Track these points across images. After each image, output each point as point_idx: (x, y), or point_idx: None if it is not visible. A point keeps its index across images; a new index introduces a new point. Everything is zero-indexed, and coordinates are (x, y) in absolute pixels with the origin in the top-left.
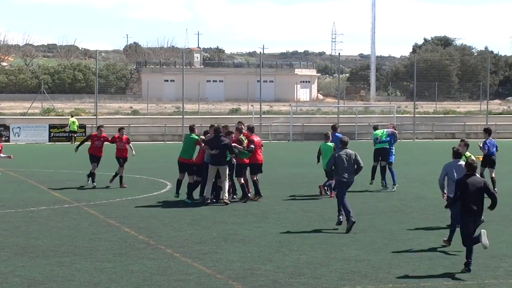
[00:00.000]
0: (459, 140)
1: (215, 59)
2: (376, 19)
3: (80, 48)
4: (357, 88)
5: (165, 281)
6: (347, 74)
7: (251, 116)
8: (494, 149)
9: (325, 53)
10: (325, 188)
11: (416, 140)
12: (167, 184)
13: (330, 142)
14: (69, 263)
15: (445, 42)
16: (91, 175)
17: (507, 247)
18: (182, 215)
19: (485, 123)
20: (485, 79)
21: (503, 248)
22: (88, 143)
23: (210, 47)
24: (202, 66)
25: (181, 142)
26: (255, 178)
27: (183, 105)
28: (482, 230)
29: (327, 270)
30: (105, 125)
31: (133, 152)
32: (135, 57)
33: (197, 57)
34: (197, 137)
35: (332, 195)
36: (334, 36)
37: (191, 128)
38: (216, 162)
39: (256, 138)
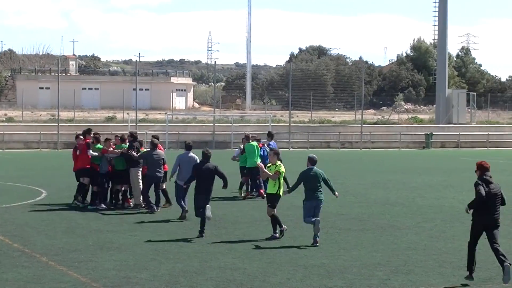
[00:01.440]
0: (334, 148)
1: (90, 66)
2: (252, 28)
3: None
4: (233, 97)
5: None
6: (223, 83)
7: (127, 124)
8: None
9: (201, 61)
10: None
11: (291, 149)
12: (42, 192)
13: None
14: None
15: (320, 51)
16: None
17: (381, 256)
18: (57, 223)
19: (359, 133)
20: (360, 89)
21: (377, 257)
22: None
23: (86, 55)
24: (77, 74)
25: (56, 149)
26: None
27: (58, 113)
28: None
29: (203, 279)
30: None
31: None
32: (9, 64)
33: (73, 65)
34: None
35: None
36: (210, 44)
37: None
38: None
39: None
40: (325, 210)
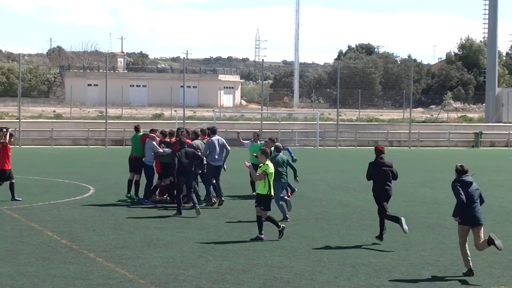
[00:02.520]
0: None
1: (138, 64)
2: (300, 26)
3: (3, 51)
4: (281, 95)
5: (87, 285)
6: (271, 81)
7: (174, 121)
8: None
9: (248, 59)
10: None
11: (339, 147)
12: (90, 188)
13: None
14: None
15: (368, 49)
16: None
17: (429, 255)
18: (105, 219)
19: (407, 131)
20: (408, 87)
21: (425, 256)
22: None
23: (134, 52)
24: (125, 71)
25: (104, 146)
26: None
27: (106, 110)
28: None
29: (250, 277)
30: (28, 129)
31: None
32: (58, 61)
33: (121, 62)
34: (141, 134)
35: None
36: (258, 42)
37: (136, 128)
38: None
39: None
40: (372, 209)
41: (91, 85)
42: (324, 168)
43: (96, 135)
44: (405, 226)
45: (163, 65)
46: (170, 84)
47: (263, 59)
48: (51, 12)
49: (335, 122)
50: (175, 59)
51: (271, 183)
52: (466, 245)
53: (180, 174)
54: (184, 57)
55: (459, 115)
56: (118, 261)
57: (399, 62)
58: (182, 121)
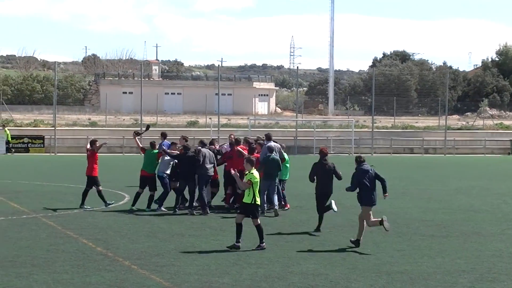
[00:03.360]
0: (417, 154)
1: (173, 71)
2: (334, 33)
3: (39, 59)
4: (316, 102)
5: None
6: (306, 88)
7: (209, 129)
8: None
9: (283, 66)
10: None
11: (374, 154)
12: (125, 196)
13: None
14: (26, 274)
15: (403, 56)
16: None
17: (465, 263)
18: (140, 227)
19: (443, 138)
20: (444, 95)
21: (461, 264)
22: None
23: (169, 60)
24: (160, 79)
25: (138, 154)
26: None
27: (141, 117)
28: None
29: (285, 284)
30: (63, 137)
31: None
32: (93, 69)
33: (156, 70)
34: (156, 151)
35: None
36: (293, 49)
37: (152, 144)
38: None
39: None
40: (408, 216)
41: (126, 93)
42: None
43: (131, 142)
44: (334, 207)
45: (197, 72)
46: (205, 91)
47: (297, 66)
48: (87, 20)
49: (370, 129)
50: (209, 67)
51: (256, 192)
52: (365, 221)
53: (181, 178)
54: (218, 65)
55: (495, 122)
56: (153, 269)
57: (434, 69)
58: (216, 129)
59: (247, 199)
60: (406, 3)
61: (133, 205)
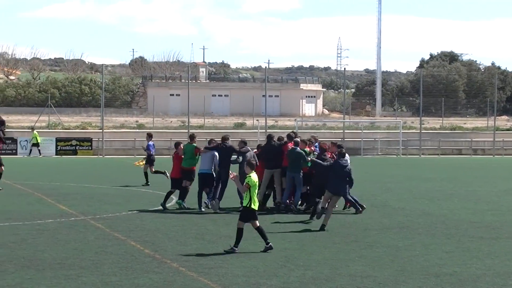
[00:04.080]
0: (466, 155)
1: (220, 73)
2: (382, 34)
3: (87, 62)
4: (363, 104)
5: None
6: (353, 89)
7: (257, 131)
8: (153, 149)
9: (330, 68)
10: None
11: (422, 156)
12: (172, 198)
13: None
14: (75, 276)
15: (451, 57)
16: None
17: None
18: (187, 229)
19: (492, 139)
20: (493, 95)
21: (511, 266)
22: None
23: (216, 62)
24: (207, 81)
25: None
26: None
27: (188, 119)
28: None
29: (333, 286)
30: (111, 139)
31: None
32: (141, 71)
33: (203, 72)
34: (195, 145)
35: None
36: (340, 51)
37: (191, 137)
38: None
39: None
40: (456, 217)
41: (173, 95)
42: (407, 177)
43: None
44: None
45: (244, 74)
46: (252, 93)
47: (345, 68)
48: (134, 23)
49: (418, 131)
50: (256, 69)
51: (254, 196)
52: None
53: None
54: (266, 67)
55: None
56: (201, 271)
57: (482, 70)
58: (264, 131)
59: (244, 202)
60: (454, 3)
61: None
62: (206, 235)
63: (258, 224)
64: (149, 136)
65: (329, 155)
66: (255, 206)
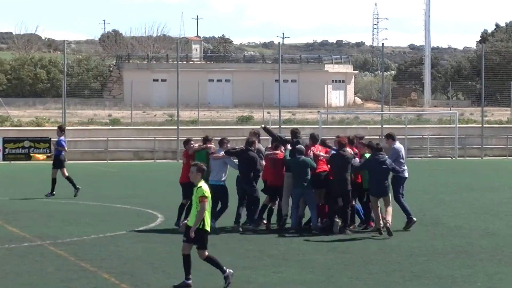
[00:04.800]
0: None
1: (220, 51)
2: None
3: (43, 38)
4: (407, 90)
5: None
6: (394, 72)
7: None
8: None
9: (364, 43)
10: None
11: (484, 158)
12: (157, 216)
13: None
14: None
15: None
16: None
17: None
18: (178, 257)
19: None
20: None
21: None
22: None
23: (214, 37)
24: (203, 61)
25: (175, 160)
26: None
27: (178, 113)
28: None
29: None
30: (76, 139)
31: None
32: (115, 50)
33: (197, 49)
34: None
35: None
36: (376, 21)
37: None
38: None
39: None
40: None
41: (157, 80)
42: (466, 185)
43: (165, 145)
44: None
45: (251, 52)
46: (262, 77)
47: (383, 43)
48: None
49: (480, 125)
50: (267, 45)
51: (207, 212)
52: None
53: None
54: (279, 42)
55: None
56: None
57: None
58: (277, 126)
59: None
60: None
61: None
62: (202, 264)
63: (206, 254)
64: (61, 130)
65: (355, 151)
66: (208, 228)
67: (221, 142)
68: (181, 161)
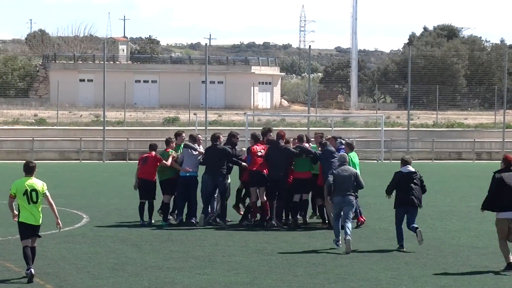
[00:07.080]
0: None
1: (146, 52)
2: (358, 2)
3: None
4: (334, 92)
5: None
6: (321, 74)
7: (194, 127)
8: None
9: (291, 45)
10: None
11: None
12: (82, 216)
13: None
14: None
15: (450, 32)
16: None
17: None
18: (103, 257)
19: (501, 140)
20: (502, 82)
21: None
22: None
23: (141, 37)
24: (129, 62)
25: (101, 161)
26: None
27: (104, 113)
28: None
29: None
30: (1, 139)
31: None
32: (41, 49)
33: (123, 50)
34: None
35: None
36: (304, 24)
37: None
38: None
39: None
40: (455, 242)
41: (84, 80)
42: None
43: (90, 146)
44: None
45: (178, 54)
46: (188, 78)
47: (310, 46)
48: None
49: (405, 128)
50: (194, 46)
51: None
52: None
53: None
54: (206, 43)
55: None
56: None
57: (489, 49)
58: (204, 127)
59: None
60: None
61: (164, 219)
62: (127, 265)
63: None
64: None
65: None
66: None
67: (197, 139)
68: (108, 161)
